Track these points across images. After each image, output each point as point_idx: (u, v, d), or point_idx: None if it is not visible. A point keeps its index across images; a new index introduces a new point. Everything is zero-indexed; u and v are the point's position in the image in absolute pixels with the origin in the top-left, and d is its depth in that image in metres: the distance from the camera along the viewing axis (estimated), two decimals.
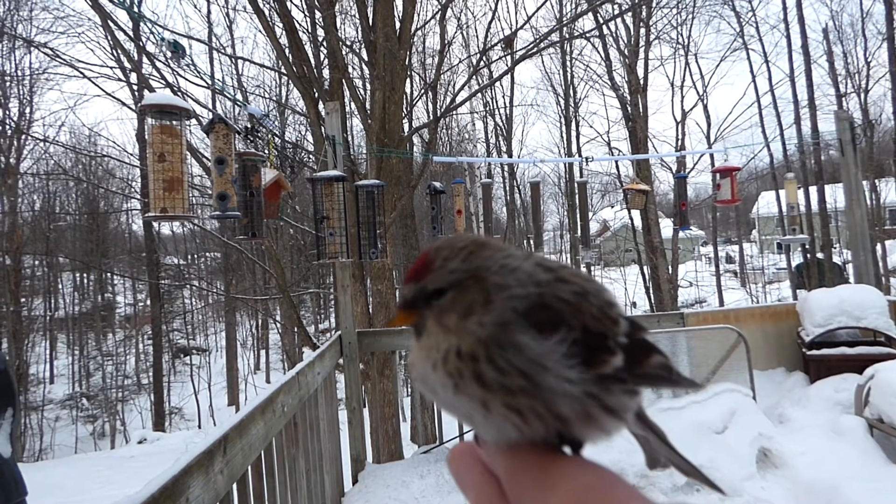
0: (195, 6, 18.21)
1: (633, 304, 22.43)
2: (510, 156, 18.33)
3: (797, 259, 18.71)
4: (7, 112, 16.51)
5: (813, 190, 15.05)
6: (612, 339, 0.37)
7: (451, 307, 0.36)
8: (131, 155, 14.03)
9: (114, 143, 19.01)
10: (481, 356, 0.34)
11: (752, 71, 16.58)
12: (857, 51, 16.88)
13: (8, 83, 16.07)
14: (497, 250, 0.38)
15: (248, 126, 3.39)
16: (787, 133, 15.50)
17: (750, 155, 16.09)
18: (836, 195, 15.62)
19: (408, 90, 9.33)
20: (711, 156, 11.21)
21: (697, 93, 17.21)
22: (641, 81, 14.43)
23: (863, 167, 9.52)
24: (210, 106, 10.98)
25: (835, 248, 17.26)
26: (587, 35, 13.44)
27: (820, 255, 15.41)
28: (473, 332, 0.35)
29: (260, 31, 12.89)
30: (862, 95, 16.80)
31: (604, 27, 13.51)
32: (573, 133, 18.38)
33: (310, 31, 8.55)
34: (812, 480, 3.36)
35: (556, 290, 0.37)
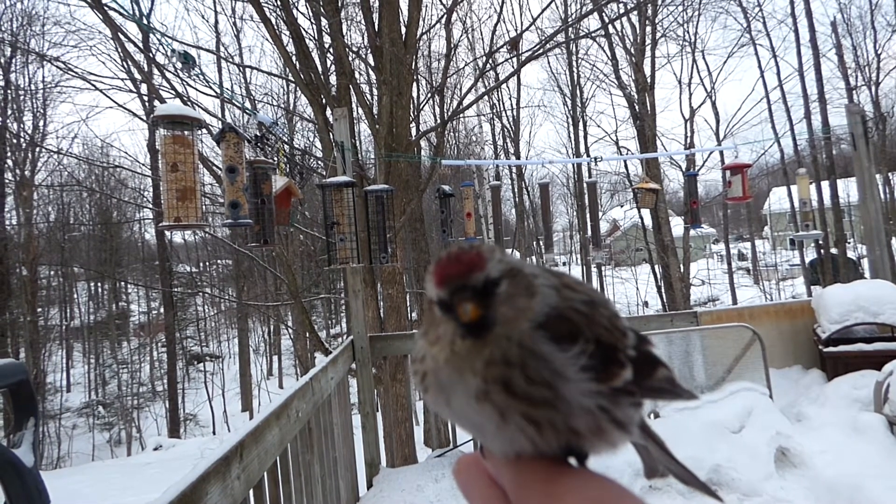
0: (203, 17, 18.41)
1: (646, 304, 22.28)
2: (518, 157, 18.31)
3: (811, 255, 18.52)
4: (21, 125, 16.78)
5: (825, 185, 14.89)
6: (622, 351, 0.37)
7: (514, 294, 0.35)
8: (143, 165, 14.18)
9: (126, 153, 19.32)
10: (516, 363, 0.33)
11: (760, 66, 16.46)
12: (866, 43, 16.76)
13: (22, 97, 16.34)
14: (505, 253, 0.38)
15: (258, 134, 3.42)
16: (797, 128, 15.37)
17: (760, 151, 15.98)
18: (848, 189, 15.46)
19: (415, 94, 9.36)
20: (721, 153, 11.15)
21: (705, 90, 17.11)
22: (648, 80, 14.36)
23: (876, 161, 9.40)
24: (220, 115, 11.08)
25: (849, 243, 17.05)
26: (593, 35, 13.39)
27: (834, 251, 15.23)
28: (517, 334, 0.34)
29: (267, 39, 13.02)
30: (873, 88, 16.63)
31: (609, 26, 13.46)
32: (581, 133, 18.34)
33: (316, 38, 8.61)
34: (832, 479, 3.31)
35: (570, 299, 0.37)
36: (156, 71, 8.64)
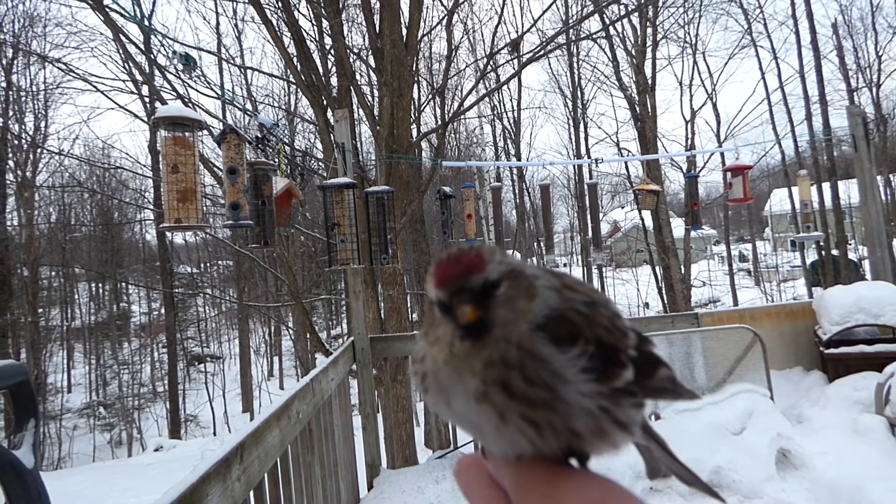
0: (204, 18, 18.43)
1: (647, 305, 22.26)
2: (519, 159, 18.31)
3: (812, 256, 18.50)
4: (23, 126, 16.80)
5: (826, 186, 14.88)
6: (623, 352, 0.37)
7: (513, 296, 0.35)
8: (144, 166, 14.21)
9: (127, 154, 19.26)
10: (515, 364, 0.33)
11: (761, 68, 16.46)
12: (867, 45, 16.74)
13: (23, 98, 16.36)
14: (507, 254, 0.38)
15: (259, 135, 3.42)
16: (798, 129, 15.36)
17: (761, 152, 15.98)
18: (849, 191, 15.43)
19: (415, 96, 9.37)
20: (722, 154, 11.14)
21: (706, 91, 17.12)
22: (649, 81, 14.36)
23: (877, 162, 9.40)
24: (221, 116, 11.10)
25: (850, 244, 17.02)
26: (594, 36, 13.40)
27: (835, 252, 15.22)
28: (516, 336, 0.34)
29: (268, 41, 13.02)
30: (874, 90, 16.63)
31: (610, 28, 13.48)
32: (582, 134, 18.34)
33: (317, 39, 8.62)
34: (833, 481, 3.30)
35: (571, 300, 0.37)
36: (157, 72, 8.66)
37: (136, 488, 8.47)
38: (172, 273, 18.62)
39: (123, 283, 21.85)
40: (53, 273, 19.96)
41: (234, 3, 12.05)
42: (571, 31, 11.98)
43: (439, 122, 8.94)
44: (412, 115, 8.04)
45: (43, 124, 16.94)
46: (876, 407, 3.87)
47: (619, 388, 0.36)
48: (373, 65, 7.97)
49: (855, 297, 4.65)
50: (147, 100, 11.64)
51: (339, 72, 7.51)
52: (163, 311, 19.49)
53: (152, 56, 8.74)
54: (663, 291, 15.42)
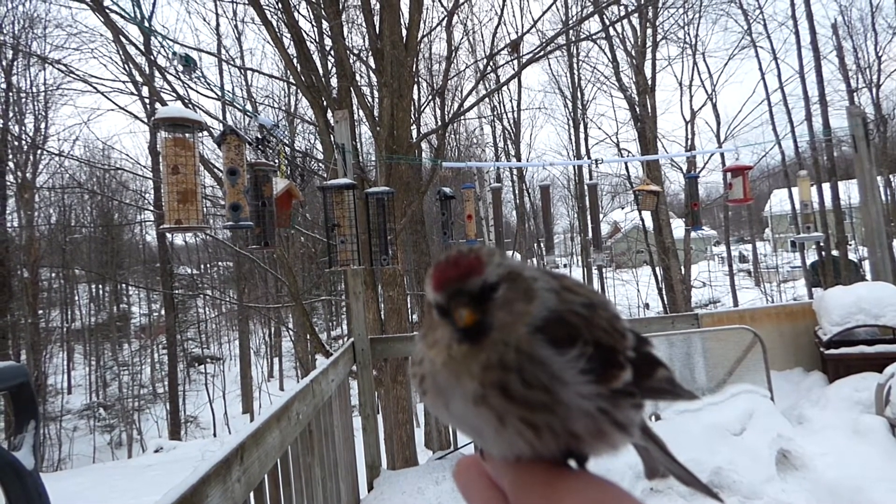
0: (204, 19, 18.44)
1: (647, 306, 22.26)
2: (519, 159, 18.31)
3: (812, 257, 18.49)
4: (23, 127, 16.81)
5: (826, 187, 14.88)
6: (621, 353, 0.38)
7: (511, 299, 0.35)
8: (144, 167, 14.23)
9: (127, 155, 19.26)
10: (513, 367, 0.33)
11: (760, 68, 16.46)
12: (867, 45, 16.76)
13: (24, 99, 16.36)
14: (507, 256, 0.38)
15: (259, 136, 3.43)
16: (798, 130, 15.36)
17: (761, 153, 15.99)
18: (850, 191, 15.44)
19: (415, 96, 9.37)
20: (722, 155, 11.15)
21: (706, 92, 17.12)
22: (649, 82, 14.36)
23: (877, 163, 9.40)
24: (221, 117, 11.11)
25: (850, 245, 17.03)
26: (594, 37, 13.41)
27: (835, 253, 15.22)
28: (514, 339, 0.34)
29: (268, 42, 13.04)
30: (874, 90, 16.64)
31: (610, 29, 13.48)
32: (582, 135, 18.34)
33: (317, 40, 8.63)
34: (834, 482, 3.30)
35: (569, 301, 0.37)
36: (157, 73, 8.67)
37: (136, 489, 8.46)
38: (172, 274, 18.61)
39: (123, 285, 21.85)
40: (53, 274, 19.96)
41: (234, 5, 12.07)
42: (571, 31, 11.98)
43: (439, 123, 8.94)
44: (412, 116, 8.05)
45: (43, 125, 16.95)
46: (876, 408, 3.87)
47: (618, 389, 0.36)
48: (373, 66, 7.97)
49: (855, 297, 4.65)
50: (147, 101, 11.66)
51: (339, 73, 7.51)
52: (163, 312, 19.48)
53: (152, 57, 8.75)
54: (663, 292, 15.41)
